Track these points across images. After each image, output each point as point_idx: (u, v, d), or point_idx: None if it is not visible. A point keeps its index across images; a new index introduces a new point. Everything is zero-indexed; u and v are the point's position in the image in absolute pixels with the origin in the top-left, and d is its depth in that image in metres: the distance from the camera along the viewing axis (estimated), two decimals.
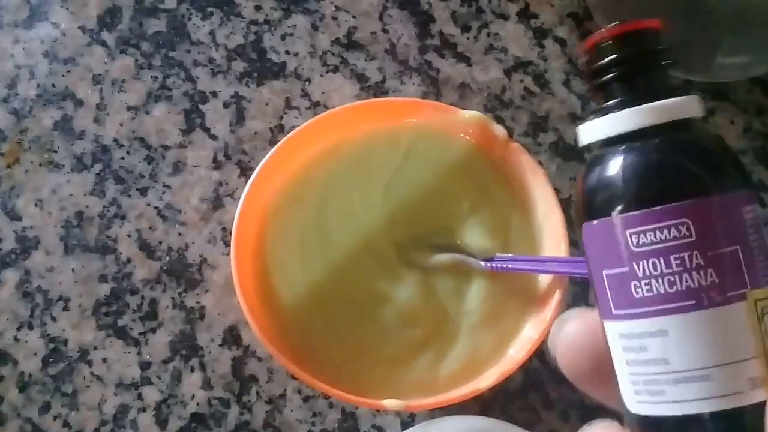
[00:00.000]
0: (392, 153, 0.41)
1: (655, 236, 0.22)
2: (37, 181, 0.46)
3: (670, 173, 0.22)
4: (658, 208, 0.22)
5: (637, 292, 0.22)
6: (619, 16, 0.49)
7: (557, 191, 0.38)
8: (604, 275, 0.23)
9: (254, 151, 0.47)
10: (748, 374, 0.21)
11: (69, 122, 0.47)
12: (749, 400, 0.21)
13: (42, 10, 0.50)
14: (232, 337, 0.44)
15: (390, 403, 0.35)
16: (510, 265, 0.38)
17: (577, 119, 0.49)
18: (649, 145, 0.23)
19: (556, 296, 0.37)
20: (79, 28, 0.50)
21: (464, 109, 0.41)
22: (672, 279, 0.22)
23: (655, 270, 0.22)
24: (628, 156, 0.23)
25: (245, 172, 0.47)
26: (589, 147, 0.25)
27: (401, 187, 0.40)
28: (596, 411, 0.42)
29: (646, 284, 0.22)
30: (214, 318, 0.44)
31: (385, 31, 0.51)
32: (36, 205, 0.46)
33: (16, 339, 0.43)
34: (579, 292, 0.45)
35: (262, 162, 0.39)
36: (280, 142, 0.39)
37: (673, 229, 0.22)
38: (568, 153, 0.49)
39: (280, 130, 0.48)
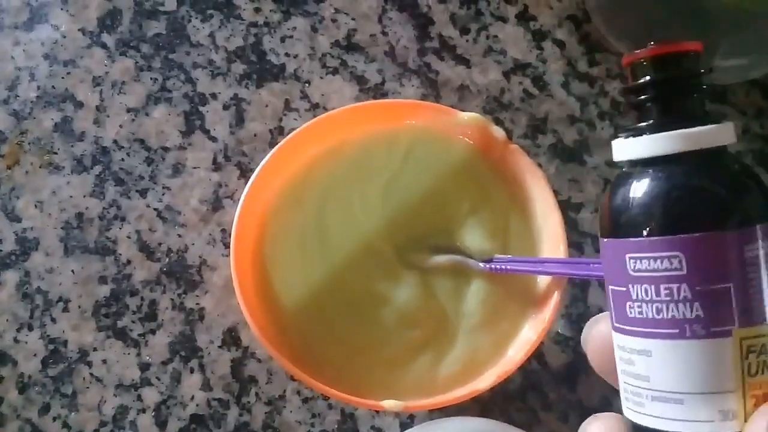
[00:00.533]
0: (391, 155, 0.41)
1: (649, 264, 0.23)
2: (37, 182, 0.46)
3: (670, 206, 0.23)
4: (654, 238, 0.22)
5: (630, 312, 0.23)
6: (617, 18, 0.50)
7: (556, 193, 0.39)
8: (610, 290, 0.24)
9: (254, 153, 0.48)
10: (721, 406, 0.22)
11: (69, 124, 0.48)
12: (717, 431, 0.22)
13: (42, 12, 0.50)
14: (232, 338, 0.44)
15: (389, 404, 0.35)
16: (509, 267, 0.38)
17: (576, 121, 0.50)
18: (660, 174, 0.23)
19: (555, 297, 0.37)
20: (79, 30, 0.50)
21: (463, 111, 0.41)
22: (659, 307, 0.23)
23: (646, 296, 0.23)
24: (639, 182, 0.23)
25: (245, 173, 0.47)
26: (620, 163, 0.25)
27: (400, 188, 0.41)
28: (595, 411, 0.43)
29: (638, 306, 0.23)
30: (213, 319, 0.44)
31: (384, 33, 0.51)
32: (36, 206, 0.46)
33: (15, 340, 0.43)
34: (578, 293, 0.45)
35: (262, 163, 0.39)
36: (279, 144, 0.39)
37: (665, 261, 0.22)
38: (567, 155, 0.49)
39: (279, 131, 0.48)
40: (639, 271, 0.23)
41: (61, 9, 0.50)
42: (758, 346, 0.22)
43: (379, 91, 0.50)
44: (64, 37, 0.50)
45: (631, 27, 0.50)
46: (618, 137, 0.25)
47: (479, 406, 0.43)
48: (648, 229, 0.23)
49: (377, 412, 0.42)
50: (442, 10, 0.52)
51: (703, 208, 0.23)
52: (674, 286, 0.22)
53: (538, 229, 0.39)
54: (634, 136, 0.24)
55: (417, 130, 0.41)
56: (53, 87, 0.48)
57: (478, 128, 0.41)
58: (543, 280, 0.38)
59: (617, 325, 0.24)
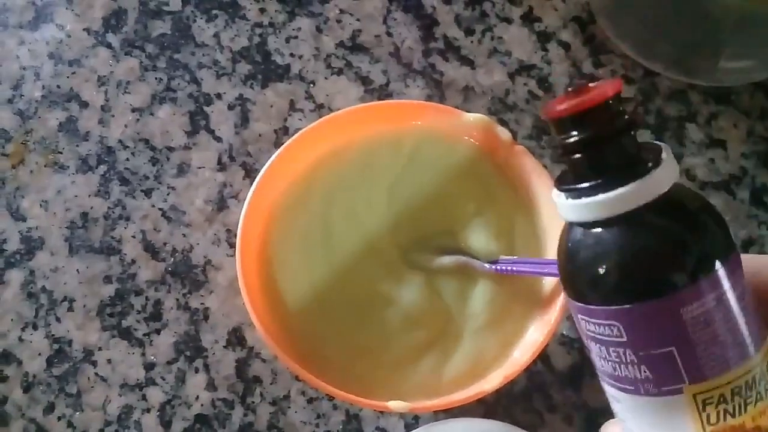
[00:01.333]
0: (396, 155, 0.41)
1: (596, 329, 0.23)
2: (42, 181, 0.46)
3: (602, 277, 0.22)
4: (593, 307, 0.22)
5: (597, 363, 0.24)
6: (622, 20, 0.50)
7: None
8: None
9: (259, 153, 0.48)
10: None
11: (74, 123, 0.48)
12: None
13: (47, 11, 0.50)
14: (236, 338, 0.44)
15: (395, 405, 0.35)
16: (514, 268, 0.38)
17: None
18: (594, 240, 0.22)
19: (560, 299, 0.37)
20: (84, 29, 0.50)
21: (468, 112, 0.41)
22: (614, 366, 0.23)
23: (601, 353, 0.23)
24: (578, 245, 0.23)
25: (250, 173, 0.47)
26: None
27: (406, 189, 0.41)
28: (600, 414, 0.43)
29: (600, 359, 0.23)
30: (218, 319, 0.44)
31: (389, 34, 0.51)
32: (41, 205, 0.46)
33: (20, 339, 0.43)
34: None
35: (267, 164, 0.39)
36: (285, 144, 0.39)
37: (606, 328, 0.22)
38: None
39: (284, 132, 0.48)
40: (591, 332, 0.23)
41: (66, 8, 0.50)
42: (715, 398, 0.22)
43: (383, 92, 0.50)
44: (69, 36, 0.50)
45: (636, 29, 0.50)
46: (556, 189, 0.24)
47: (484, 407, 0.43)
48: (586, 297, 0.23)
49: (382, 412, 0.42)
50: (447, 11, 0.52)
51: (633, 279, 0.22)
52: (620, 350, 0.22)
53: (544, 231, 0.39)
54: (568, 196, 0.23)
55: (422, 131, 0.41)
56: (58, 86, 0.48)
57: (484, 129, 0.41)
58: (548, 282, 0.38)
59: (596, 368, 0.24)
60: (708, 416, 0.22)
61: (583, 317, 0.23)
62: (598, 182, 0.22)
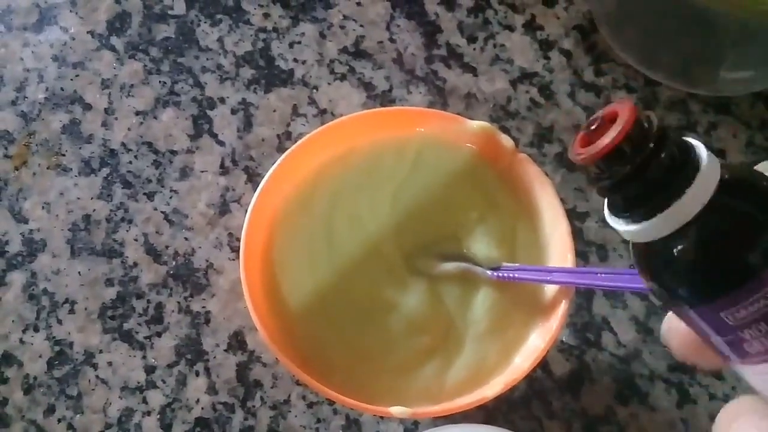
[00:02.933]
0: (400, 162, 0.41)
1: (747, 311, 0.22)
2: (44, 184, 0.46)
3: (727, 256, 0.22)
4: (735, 291, 0.22)
5: (754, 348, 0.23)
6: (624, 29, 0.50)
7: (563, 201, 0.39)
8: (715, 340, 0.24)
9: (261, 158, 0.48)
10: None
11: (77, 126, 0.48)
12: None
13: (51, 14, 0.50)
14: (238, 342, 0.44)
15: (397, 411, 0.35)
16: (516, 275, 0.38)
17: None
18: (704, 234, 0.22)
19: (562, 306, 0.37)
20: (88, 32, 0.50)
21: (470, 119, 0.42)
22: None
23: (762, 331, 0.22)
24: (680, 255, 0.22)
25: (252, 178, 0.47)
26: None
27: (409, 195, 0.41)
28: (599, 421, 0.43)
29: (760, 340, 0.23)
30: (219, 323, 0.44)
31: (392, 40, 0.52)
32: (43, 207, 0.46)
33: (21, 341, 0.43)
34: (582, 302, 0.45)
35: (272, 169, 0.39)
36: (289, 149, 0.40)
37: (760, 301, 0.22)
38: (573, 164, 0.49)
39: (287, 136, 0.48)
40: (742, 317, 0.22)
41: (71, 11, 0.51)
42: None
43: (386, 98, 0.50)
44: (73, 39, 0.50)
45: (638, 38, 0.51)
46: (614, 217, 0.24)
47: (483, 413, 0.43)
48: (724, 286, 0.22)
49: (382, 417, 0.43)
50: (450, 18, 0.53)
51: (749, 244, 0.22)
52: None
53: (546, 238, 0.40)
54: (633, 222, 0.23)
55: (426, 138, 0.42)
56: (62, 89, 0.48)
57: (487, 137, 0.41)
58: (550, 289, 0.39)
59: (744, 360, 0.23)
60: None
61: (726, 312, 0.22)
62: (660, 196, 0.22)
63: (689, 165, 0.22)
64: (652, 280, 0.24)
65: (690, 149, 0.23)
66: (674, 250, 0.22)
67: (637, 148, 0.22)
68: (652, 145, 0.22)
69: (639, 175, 0.22)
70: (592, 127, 0.23)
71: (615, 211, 0.24)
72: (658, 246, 0.23)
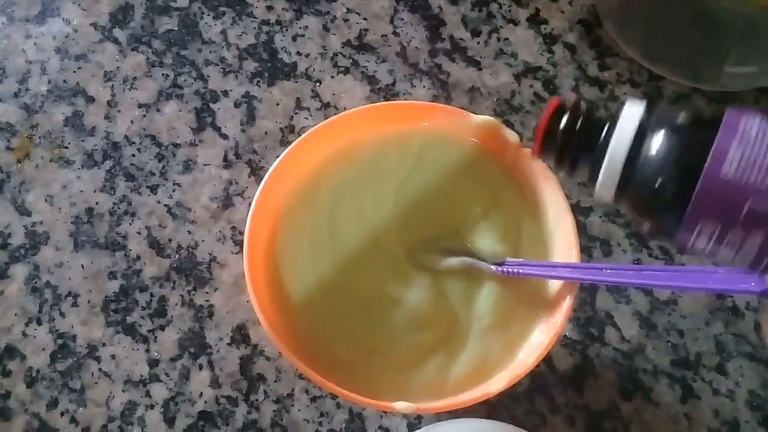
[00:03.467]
0: (404, 156, 0.41)
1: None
2: (47, 176, 0.46)
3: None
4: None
5: None
6: (628, 24, 0.50)
7: (567, 197, 0.39)
8: None
9: (264, 151, 0.48)
10: None
11: (80, 118, 0.48)
12: None
13: (54, 6, 0.50)
14: (241, 335, 0.44)
15: (401, 406, 0.35)
16: (520, 270, 0.38)
17: None
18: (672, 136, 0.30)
19: (567, 302, 0.37)
20: (91, 24, 0.50)
21: (474, 113, 0.42)
22: None
23: None
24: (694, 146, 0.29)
25: (255, 171, 0.47)
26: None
27: (413, 190, 0.41)
28: (602, 416, 0.43)
29: None
30: (222, 316, 0.44)
31: (396, 33, 0.52)
32: (46, 200, 0.46)
33: (24, 334, 0.43)
34: (585, 297, 0.45)
35: (276, 162, 0.39)
36: (293, 143, 0.39)
37: None
38: None
39: (290, 130, 0.48)
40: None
41: (73, 3, 0.50)
42: None
43: (390, 92, 0.50)
44: (76, 31, 0.50)
45: (642, 33, 0.50)
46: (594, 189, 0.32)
47: (487, 407, 0.43)
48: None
49: (385, 412, 0.43)
50: (454, 11, 0.52)
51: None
52: None
53: (550, 233, 0.40)
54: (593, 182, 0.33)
55: (430, 132, 0.42)
56: (64, 81, 0.48)
57: (491, 131, 0.41)
58: (554, 284, 0.39)
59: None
60: None
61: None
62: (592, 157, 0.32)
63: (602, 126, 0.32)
64: (640, 217, 0.31)
65: (602, 120, 0.32)
66: (635, 195, 0.31)
67: (562, 124, 0.33)
68: (568, 118, 0.32)
69: (568, 142, 0.33)
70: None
71: (589, 183, 0.33)
72: (625, 195, 0.31)
